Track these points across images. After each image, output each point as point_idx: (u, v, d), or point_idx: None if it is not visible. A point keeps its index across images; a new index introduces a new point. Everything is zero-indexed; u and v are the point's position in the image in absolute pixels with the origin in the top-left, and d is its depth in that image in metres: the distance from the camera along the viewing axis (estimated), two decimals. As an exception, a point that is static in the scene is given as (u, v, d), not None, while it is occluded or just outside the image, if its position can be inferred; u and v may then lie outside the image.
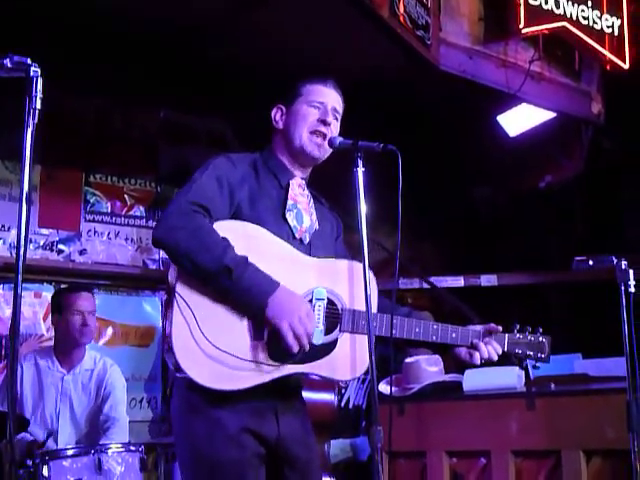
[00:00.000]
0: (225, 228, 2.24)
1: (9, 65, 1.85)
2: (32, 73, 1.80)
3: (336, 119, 2.50)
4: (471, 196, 6.73)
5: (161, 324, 5.37)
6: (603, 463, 3.06)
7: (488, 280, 5.88)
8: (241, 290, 2.18)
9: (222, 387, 2.19)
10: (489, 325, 2.54)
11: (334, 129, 2.48)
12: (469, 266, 6.09)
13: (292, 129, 2.47)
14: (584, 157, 6.18)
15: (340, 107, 2.52)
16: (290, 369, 2.26)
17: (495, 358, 2.50)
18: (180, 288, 2.20)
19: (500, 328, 2.54)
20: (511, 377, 3.49)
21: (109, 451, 3.45)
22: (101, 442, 3.82)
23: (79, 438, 4.03)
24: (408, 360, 3.81)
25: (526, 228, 6.33)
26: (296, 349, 2.21)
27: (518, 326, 2.58)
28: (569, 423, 3.14)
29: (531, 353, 2.57)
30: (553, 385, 3.41)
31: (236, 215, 2.33)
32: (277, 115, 2.52)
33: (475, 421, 3.38)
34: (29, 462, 3.34)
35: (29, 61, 1.82)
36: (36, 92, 1.77)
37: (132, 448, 3.54)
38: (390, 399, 2.87)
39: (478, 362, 2.49)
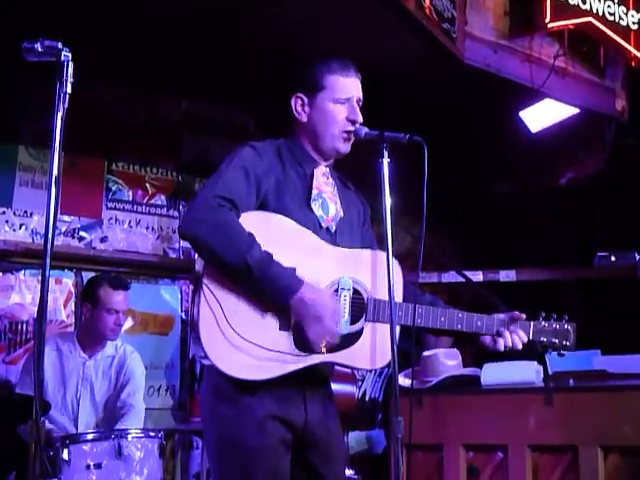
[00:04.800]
0: (251, 220, 2.25)
1: (40, 49, 1.87)
2: (63, 57, 1.82)
3: (360, 107, 2.48)
4: (491, 191, 6.70)
5: (181, 313, 5.41)
6: (621, 459, 3.06)
7: (507, 275, 5.86)
8: (264, 288, 2.20)
9: (249, 377, 2.21)
10: (513, 313, 2.53)
11: (360, 117, 2.46)
12: (488, 261, 6.07)
13: (322, 128, 2.45)
14: (606, 154, 6.13)
15: (361, 92, 2.50)
16: (316, 358, 2.28)
17: (520, 347, 2.50)
18: (207, 280, 2.22)
19: (524, 316, 2.53)
20: (529, 372, 3.49)
21: (129, 436, 3.47)
22: (116, 427, 3.86)
23: (97, 423, 4.06)
24: (426, 353, 3.81)
25: (546, 224, 6.30)
26: (320, 350, 2.25)
27: (543, 314, 2.56)
28: (587, 419, 3.13)
29: (556, 341, 2.55)
30: (572, 381, 3.40)
31: (262, 205, 2.33)
32: (297, 106, 2.48)
33: (492, 415, 3.38)
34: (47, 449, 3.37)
35: (60, 45, 1.83)
36: (67, 76, 1.79)
37: (152, 434, 3.57)
38: (409, 392, 2.87)
39: (502, 349, 2.49)
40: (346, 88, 2.45)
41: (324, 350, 2.25)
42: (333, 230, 2.45)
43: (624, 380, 3.36)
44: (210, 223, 2.19)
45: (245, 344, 2.19)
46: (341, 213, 2.49)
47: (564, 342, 2.56)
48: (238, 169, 2.32)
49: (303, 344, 2.25)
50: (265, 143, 2.47)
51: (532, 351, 2.58)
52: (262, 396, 2.26)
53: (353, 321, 2.34)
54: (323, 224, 2.43)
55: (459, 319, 2.45)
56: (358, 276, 2.36)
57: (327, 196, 2.46)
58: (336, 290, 2.33)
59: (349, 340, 2.32)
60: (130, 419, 3.99)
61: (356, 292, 2.36)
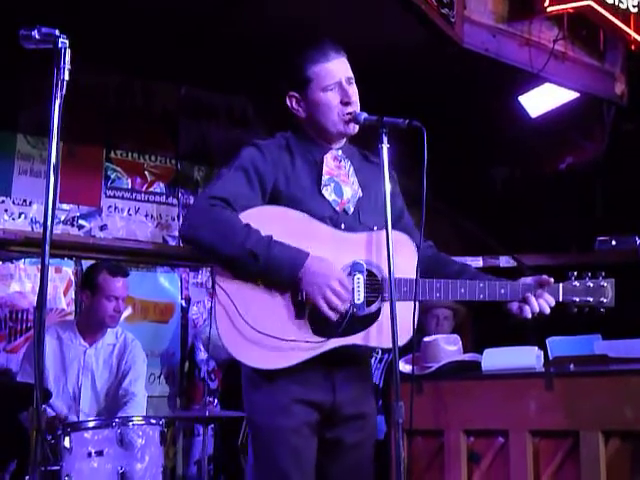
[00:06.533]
0: (252, 216, 2.29)
1: (37, 37, 1.86)
2: (60, 44, 1.81)
3: (352, 84, 2.48)
4: (490, 177, 6.69)
5: (181, 300, 5.42)
6: (622, 444, 3.05)
7: (507, 261, 5.86)
8: (271, 270, 2.24)
9: (269, 367, 2.27)
10: (540, 277, 2.48)
11: (354, 96, 2.46)
12: (487, 247, 6.07)
13: (321, 119, 2.46)
14: (606, 138, 6.12)
15: (349, 69, 2.49)
16: (335, 342, 2.30)
17: (547, 311, 2.44)
18: (219, 278, 2.28)
19: (552, 280, 2.46)
20: (530, 357, 3.48)
21: (130, 424, 3.49)
22: (119, 415, 3.86)
23: (99, 411, 4.07)
24: (427, 339, 3.81)
25: (546, 209, 6.29)
26: (335, 318, 2.27)
27: (575, 273, 2.48)
28: (588, 404, 3.12)
29: (591, 299, 2.47)
30: (572, 366, 3.40)
31: (273, 200, 2.37)
32: (294, 104, 2.51)
33: (493, 400, 3.37)
34: (49, 437, 3.39)
35: (57, 32, 1.82)
36: (64, 63, 1.78)
37: (153, 421, 3.58)
38: (410, 378, 2.87)
39: (529, 316, 2.44)
40: (331, 73, 2.45)
41: (339, 320, 2.27)
42: (351, 211, 2.46)
43: (625, 365, 3.35)
44: (205, 224, 2.25)
45: (262, 337, 2.24)
46: (360, 193, 2.49)
47: (601, 299, 2.48)
48: (238, 170, 2.36)
49: (321, 327, 2.28)
50: (270, 140, 2.49)
51: (567, 313, 2.47)
52: (285, 382, 2.30)
53: (369, 303, 2.35)
54: (338, 208, 2.44)
55: (480, 289, 2.42)
56: (371, 258, 2.37)
57: (340, 179, 2.47)
58: (349, 273, 2.34)
59: (367, 321, 2.34)
60: (132, 407, 4.00)
61: (370, 274, 2.36)
